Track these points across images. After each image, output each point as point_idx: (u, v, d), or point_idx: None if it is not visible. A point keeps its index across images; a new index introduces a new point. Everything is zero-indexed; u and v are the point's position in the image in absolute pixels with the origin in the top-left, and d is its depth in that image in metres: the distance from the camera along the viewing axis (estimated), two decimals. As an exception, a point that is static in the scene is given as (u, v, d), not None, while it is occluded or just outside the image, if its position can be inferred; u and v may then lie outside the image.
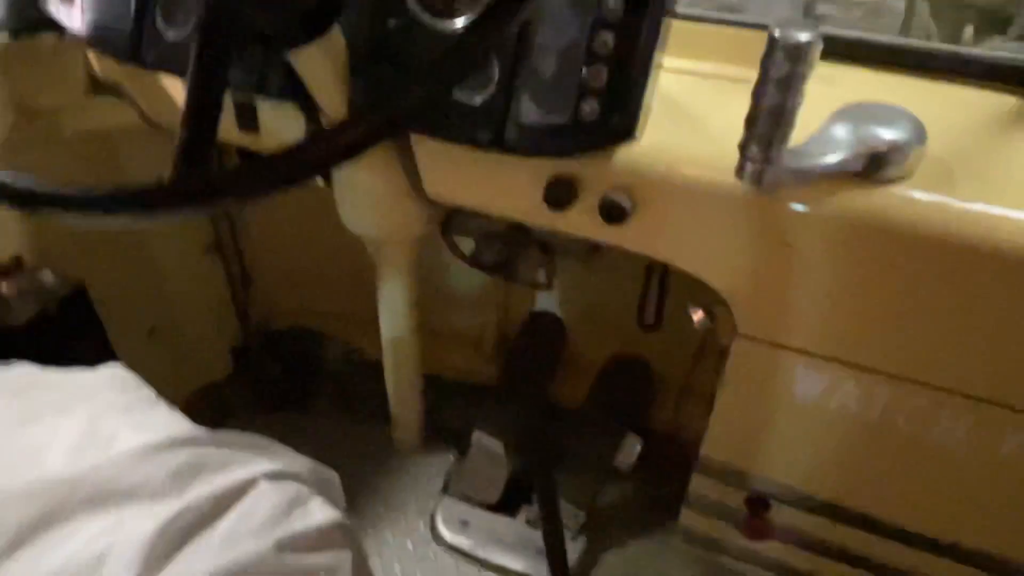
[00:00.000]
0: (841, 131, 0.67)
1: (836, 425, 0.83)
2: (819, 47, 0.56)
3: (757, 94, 0.60)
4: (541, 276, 1.04)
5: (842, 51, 0.87)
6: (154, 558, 0.52)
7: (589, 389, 1.24)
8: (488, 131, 0.69)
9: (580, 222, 0.77)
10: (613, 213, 0.74)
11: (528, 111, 0.67)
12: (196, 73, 0.53)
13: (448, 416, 1.33)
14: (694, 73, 0.83)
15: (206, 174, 0.52)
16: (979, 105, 0.80)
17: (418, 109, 0.49)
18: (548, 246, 1.01)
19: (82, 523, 0.55)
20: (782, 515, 0.96)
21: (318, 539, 0.58)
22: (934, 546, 0.88)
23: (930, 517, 0.86)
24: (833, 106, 0.70)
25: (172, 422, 0.67)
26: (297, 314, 1.43)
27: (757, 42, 0.59)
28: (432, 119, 0.71)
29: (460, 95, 0.69)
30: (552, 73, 0.66)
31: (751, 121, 0.61)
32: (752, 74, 0.60)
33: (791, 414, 0.84)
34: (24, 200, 0.53)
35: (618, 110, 0.66)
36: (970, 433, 0.76)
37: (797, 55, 0.56)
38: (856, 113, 0.69)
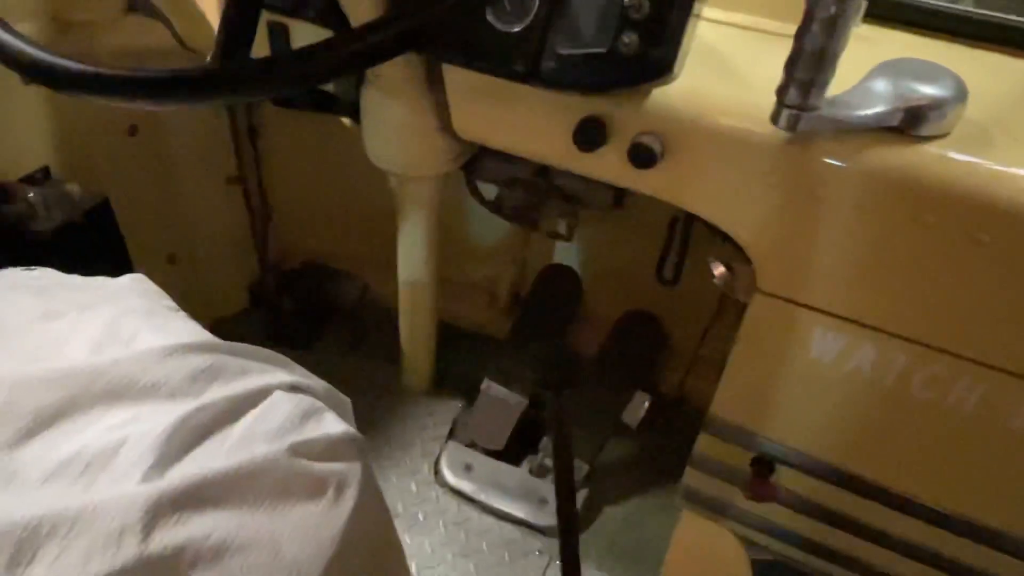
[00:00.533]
0: (881, 85, 0.66)
1: (849, 389, 0.82)
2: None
3: (800, 35, 0.59)
4: (562, 227, 1.03)
5: (887, 13, 0.85)
6: (169, 452, 0.53)
7: (601, 345, 1.24)
8: (524, 62, 0.68)
9: (608, 166, 0.77)
10: (642, 157, 0.73)
11: (566, 41, 0.66)
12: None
13: (458, 364, 1.34)
14: (734, 24, 0.82)
15: (243, 63, 0.52)
16: (1020, 73, 0.78)
17: (446, 19, 0.49)
18: (571, 197, 1.01)
19: (100, 414, 0.55)
20: (786, 478, 0.96)
21: (330, 449, 0.59)
22: (938, 518, 0.88)
23: (937, 488, 0.86)
24: (874, 65, 0.69)
25: (192, 329, 0.67)
26: (315, 252, 1.44)
27: None
28: (467, 47, 0.70)
29: (496, 23, 0.68)
30: (594, 2, 0.65)
31: (792, 63, 0.60)
32: (793, 30, 0.59)
33: (804, 375, 0.84)
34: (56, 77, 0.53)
35: (658, 44, 0.65)
36: (983, 404, 0.76)
37: (841, -4, 0.55)
38: (898, 68, 0.68)
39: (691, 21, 0.65)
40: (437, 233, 1.08)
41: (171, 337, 0.62)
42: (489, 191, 1.08)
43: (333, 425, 0.61)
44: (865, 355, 0.79)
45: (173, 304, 0.72)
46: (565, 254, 1.32)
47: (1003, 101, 0.73)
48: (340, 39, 0.51)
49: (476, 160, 1.02)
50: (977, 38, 0.83)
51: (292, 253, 1.46)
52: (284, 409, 0.59)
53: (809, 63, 0.59)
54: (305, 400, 0.62)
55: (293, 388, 0.63)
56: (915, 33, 0.85)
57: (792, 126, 0.62)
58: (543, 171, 1.00)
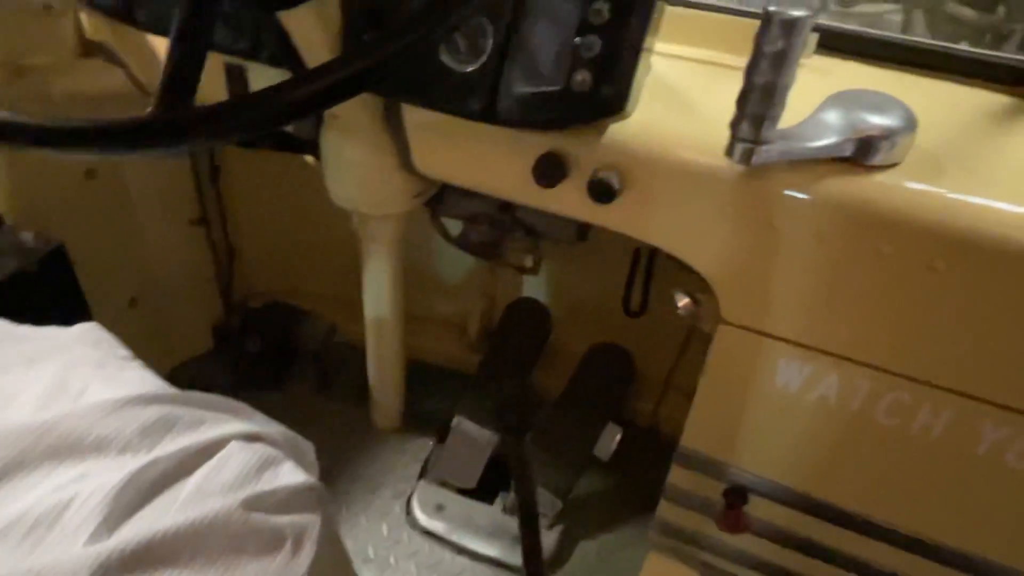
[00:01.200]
0: (833, 116, 0.67)
1: (816, 417, 0.82)
2: (811, 24, 0.56)
3: (750, 71, 0.59)
4: (528, 260, 1.03)
5: (838, 45, 0.87)
6: (118, 510, 0.51)
7: (571, 377, 1.24)
8: (479, 100, 0.68)
9: (568, 201, 0.77)
10: (602, 192, 0.74)
11: (521, 80, 0.67)
12: (183, 14, 0.52)
13: (429, 401, 1.32)
14: (689, 59, 0.84)
15: (184, 111, 0.51)
16: (971, 102, 0.80)
17: (396, 60, 0.48)
18: (535, 230, 1.01)
19: (47, 472, 0.53)
20: (759, 508, 0.95)
21: (287, 500, 0.57)
22: (912, 544, 0.87)
23: (908, 514, 0.86)
24: (827, 95, 0.70)
25: (145, 380, 0.66)
26: (280, 291, 1.42)
27: (752, 30, 0.59)
28: (422, 87, 0.70)
29: (451, 63, 0.68)
30: (547, 42, 0.65)
31: (743, 98, 0.61)
32: (746, 63, 0.60)
33: (771, 405, 0.84)
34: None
35: (610, 82, 0.65)
36: (949, 429, 0.76)
37: (790, 30, 0.56)
38: (848, 99, 0.69)
39: (642, 58, 0.66)
40: (402, 270, 1.07)
41: (122, 389, 0.61)
42: (454, 227, 1.08)
43: (291, 475, 0.60)
44: (830, 383, 0.79)
45: (128, 353, 0.71)
46: (534, 287, 1.32)
47: (952, 129, 0.75)
48: (286, 85, 0.50)
49: (440, 196, 1.02)
50: (927, 67, 0.86)
51: (258, 293, 1.44)
52: (239, 460, 0.58)
53: (759, 98, 0.60)
54: (262, 450, 0.60)
55: (250, 437, 0.61)
56: (868, 63, 0.87)
57: (746, 159, 0.63)
58: (507, 206, 1.00)
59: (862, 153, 0.66)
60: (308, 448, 0.71)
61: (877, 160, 0.66)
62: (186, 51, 0.51)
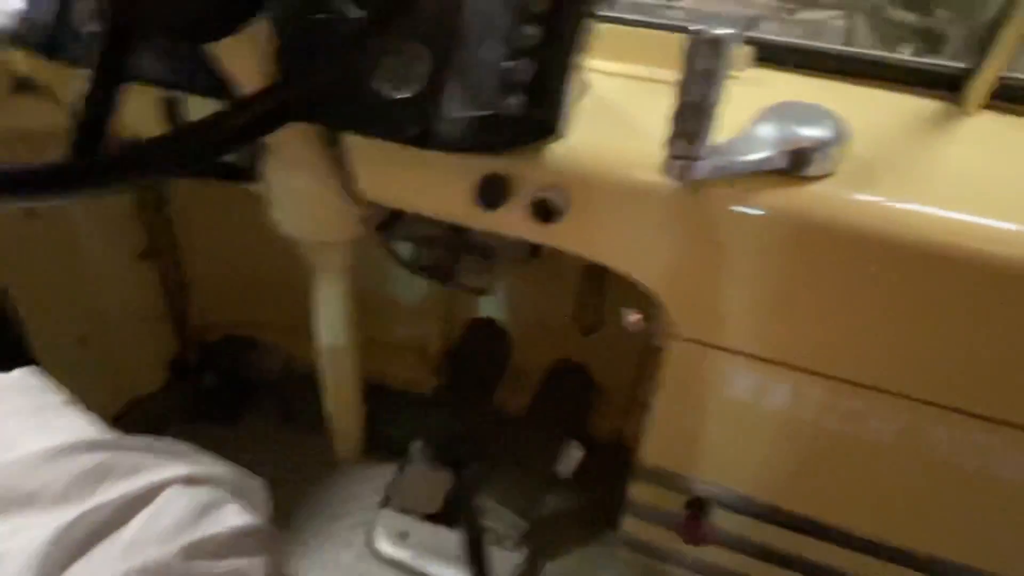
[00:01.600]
0: (766, 129, 0.68)
1: (771, 427, 0.83)
2: (737, 42, 0.56)
3: (680, 89, 0.60)
4: (480, 281, 1.02)
5: (776, 57, 0.88)
6: (50, 565, 0.49)
7: (531, 397, 1.23)
8: (415, 126, 0.68)
9: (513, 222, 0.77)
10: (545, 212, 0.73)
11: (455, 105, 0.66)
12: (100, 56, 0.51)
13: (392, 427, 1.30)
14: (627, 76, 0.84)
15: (97, 155, 0.49)
16: (906, 109, 0.82)
17: (320, 90, 0.48)
18: (487, 250, 1.00)
19: (-25, 530, 0.52)
20: (721, 520, 0.95)
21: (229, 545, 0.56)
22: (873, 548, 0.88)
23: (867, 519, 0.87)
24: (763, 107, 0.71)
25: (81, 426, 0.63)
26: (236, 323, 1.40)
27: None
28: (357, 114, 0.69)
29: (387, 89, 0.68)
30: (480, 66, 0.65)
31: (675, 116, 0.61)
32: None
33: (726, 416, 0.84)
34: None
35: (543, 105, 0.65)
36: (901, 433, 0.77)
37: (717, 49, 0.56)
38: (781, 112, 0.70)
39: (574, 80, 0.66)
40: (354, 297, 1.06)
41: (57, 437, 0.59)
42: (406, 250, 1.07)
43: (235, 518, 0.58)
44: (782, 393, 0.79)
45: (66, 397, 0.69)
46: (493, 306, 1.32)
47: (887, 137, 0.76)
48: (207, 121, 0.49)
49: (390, 220, 1.01)
50: (862, 76, 0.87)
51: (213, 326, 1.42)
52: (178, 506, 0.56)
53: (691, 115, 0.60)
54: (204, 493, 0.59)
55: (191, 481, 0.59)
56: (805, 74, 0.88)
57: (682, 176, 0.63)
58: (457, 227, 1.00)
59: (796, 165, 0.67)
60: (258, 487, 0.70)
61: (811, 171, 0.67)
62: (98, 90, 0.50)
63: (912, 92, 0.85)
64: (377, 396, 1.28)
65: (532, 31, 0.62)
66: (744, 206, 0.68)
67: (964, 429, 0.73)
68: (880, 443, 0.79)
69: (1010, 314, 0.65)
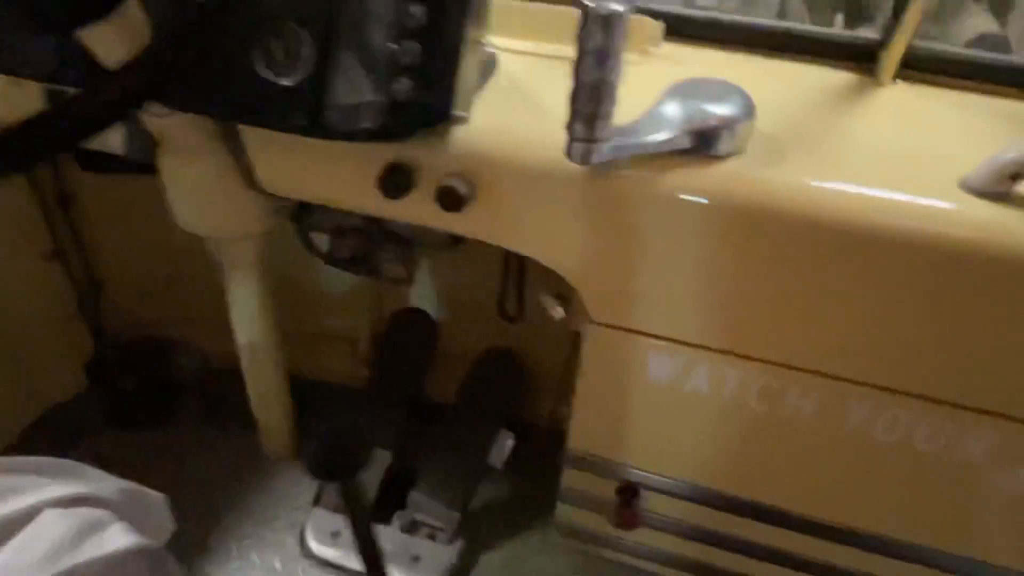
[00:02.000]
0: (672, 108, 0.66)
1: (692, 409, 0.82)
2: (629, 18, 0.54)
3: (576, 70, 0.57)
4: (401, 271, 0.99)
5: (687, 31, 0.86)
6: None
7: (460, 386, 1.21)
8: (304, 114, 0.64)
9: (419, 210, 0.74)
10: (450, 200, 0.71)
11: (342, 91, 0.63)
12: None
13: (323, 422, 1.27)
14: (537, 54, 0.81)
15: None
16: (817, 82, 0.80)
17: (183, 68, 0.44)
18: (406, 239, 0.97)
19: None
20: (654, 503, 0.95)
21: (110, 567, 0.52)
22: (802, 525, 0.88)
23: (794, 496, 0.87)
24: (670, 85, 0.69)
25: None
26: (154, 322, 1.34)
27: None
28: (241, 103, 0.65)
29: (271, 76, 0.63)
30: (365, 50, 0.61)
31: (573, 98, 0.59)
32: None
33: (648, 400, 0.83)
34: None
35: (432, 88, 0.62)
36: (818, 409, 0.76)
37: (609, 26, 0.54)
38: (688, 89, 0.68)
39: (473, 61, 0.63)
40: (269, 292, 1.01)
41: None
42: (323, 240, 1.03)
43: (119, 539, 0.54)
44: (700, 375, 0.78)
45: None
46: (422, 295, 1.28)
47: (797, 111, 0.75)
48: (66, 103, 0.45)
49: (304, 210, 0.97)
50: (776, 49, 0.85)
51: (130, 326, 1.36)
52: (55, 530, 0.52)
53: (588, 96, 0.58)
54: (85, 514, 0.55)
55: (72, 501, 0.56)
56: (718, 48, 0.86)
57: (584, 159, 0.61)
58: (372, 217, 0.96)
59: (703, 144, 0.65)
60: (156, 502, 0.66)
61: (718, 150, 0.65)
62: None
63: (827, 64, 0.84)
64: (307, 390, 1.24)
65: (417, 11, 0.59)
66: (650, 187, 0.66)
67: (881, 404, 0.73)
68: (800, 421, 0.78)
69: (920, 288, 0.65)
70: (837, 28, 1.04)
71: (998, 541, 0.81)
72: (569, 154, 0.61)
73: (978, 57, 0.82)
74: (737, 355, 0.75)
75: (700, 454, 0.88)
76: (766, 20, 0.90)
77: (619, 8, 0.53)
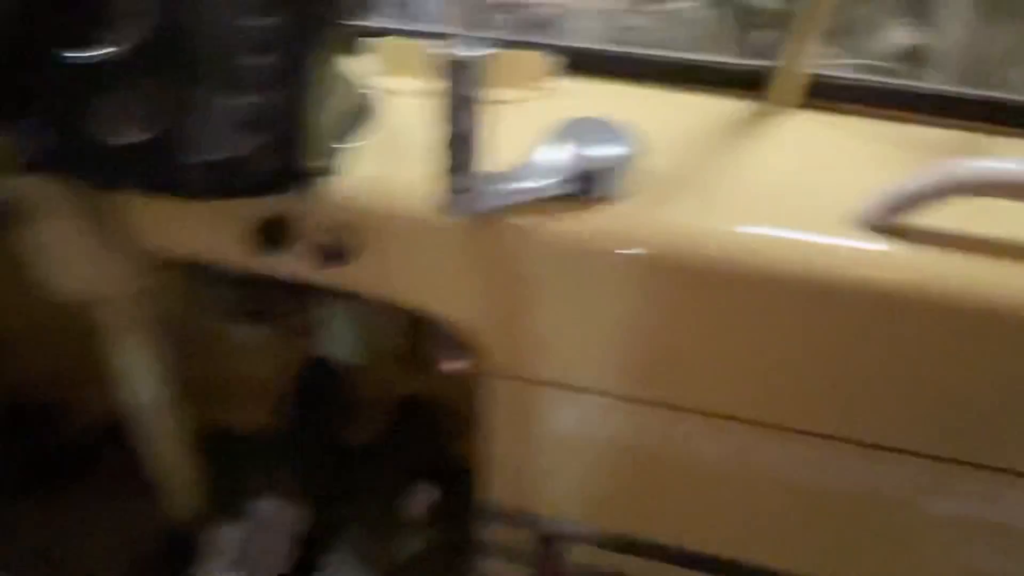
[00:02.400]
0: (555, 151, 0.63)
1: (599, 455, 0.79)
2: (484, 64, 0.50)
3: (442, 121, 0.54)
4: (301, 322, 0.94)
5: (591, 65, 0.83)
6: None
7: (377, 436, 1.15)
8: (157, 174, 0.59)
9: (299, 265, 0.70)
10: (331, 254, 0.67)
11: (192, 149, 0.58)
12: None
13: (237, 477, 1.20)
14: (421, 94, 0.77)
15: None
16: (718, 112, 0.78)
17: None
18: (302, 288, 0.92)
19: None
20: (575, 553, 0.91)
21: None
22: (721, 566, 0.85)
23: (713, 538, 0.84)
24: (555, 125, 0.66)
25: None
26: (41, 383, 1.25)
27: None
28: (87, 161, 0.60)
29: (114, 134, 0.58)
30: (213, 106, 0.57)
31: (440, 148, 0.55)
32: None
33: (555, 448, 0.80)
34: None
35: (287, 143, 0.58)
36: (723, 451, 0.74)
37: (463, 73, 0.50)
38: (572, 130, 0.65)
39: (326, 112, 0.59)
40: (160, 348, 0.95)
41: None
42: (215, 293, 0.98)
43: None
44: (604, 421, 0.75)
45: None
46: (334, 343, 1.22)
47: (692, 146, 0.72)
48: None
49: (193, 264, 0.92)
50: (675, 80, 0.83)
51: (16, 387, 1.26)
52: None
53: (456, 146, 0.54)
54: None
55: None
56: (616, 82, 0.83)
57: (459, 210, 0.57)
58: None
59: (587, 187, 0.62)
60: None
61: (604, 193, 0.63)
62: None
63: (728, 94, 0.82)
64: (220, 444, 1.17)
65: (264, 64, 0.55)
66: (536, 235, 0.63)
67: (788, 444, 0.71)
68: (708, 464, 0.76)
69: (816, 324, 0.63)
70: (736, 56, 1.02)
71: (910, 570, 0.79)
72: (444, 206, 0.58)
73: (880, 83, 0.82)
74: (640, 401, 0.72)
75: (615, 501, 0.85)
76: (665, 52, 0.88)
77: (470, 56, 0.50)
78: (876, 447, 0.68)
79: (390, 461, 1.12)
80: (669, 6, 1.81)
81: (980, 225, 0.61)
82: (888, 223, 0.60)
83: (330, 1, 0.60)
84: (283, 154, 0.58)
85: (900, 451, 0.67)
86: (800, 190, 0.66)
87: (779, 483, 0.74)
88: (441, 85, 0.52)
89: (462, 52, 0.50)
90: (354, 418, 1.17)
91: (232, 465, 1.19)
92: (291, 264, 0.69)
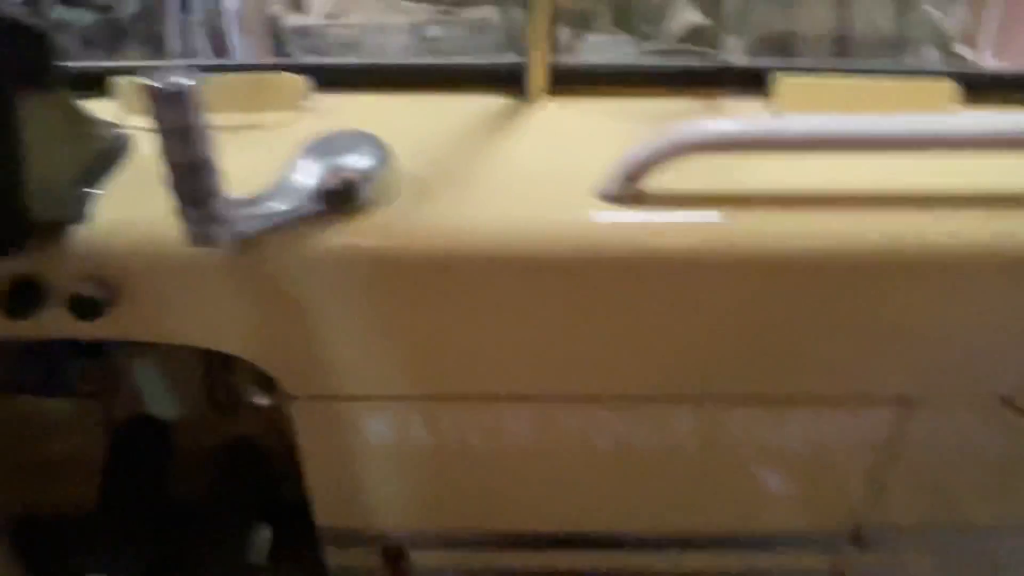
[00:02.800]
0: (305, 170, 0.63)
1: (418, 458, 0.79)
2: (197, 93, 0.49)
3: (161, 151, 0.52)
4: (93, 384, 0.89)
5: (344, 80, 0.84)
6: None
7: (206, 485, 1.10)
8: None
9: (55, 325, 0.65)
10: (85, 307, 0.63)
11: None
12: None
13: (57, 560, 1.11)
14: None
15: None
16: (473, 111, 0.80)
17: None
18: (93, 348, 0.87)
19: None
20: (423, 559, 0.91)
21: None
22: (561, 540, 0.88)
23: (539, 515, 0.87)
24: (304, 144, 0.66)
25: None
26: None
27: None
28: None
29: None
30: None
31: (170, 182, 0.54)
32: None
33: (374, 461, 0.80)
34: None
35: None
36: (525, 428, 0.76)
37: (181, 102, 0.49)
38: (320, 147, 0.65)
39: (60, 163, 0.56)
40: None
41: None
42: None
43: None
44: (416, 424, 0.76)
45: None
46: (148, 399, 1.16)
47: (448, 146, 0.74)
48: None
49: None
50: (434, 85, 0.85)
51: None
52: None
53: (185, 178, 0.53)
54: None
55: None
56: (375, 93, 0.84)
57: (206, 241, 0.56)
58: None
59: (342, 199, 0.63)
60: None
61: (360, 202, 0.63)
62: None
63: (485, 92, 0.84)
64: (38, 527, 1.08)
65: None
66: (296, 256, 0.63)
67: (582, 411, 0.75)
68: (520, 444, 0.78)
69: (574, 298, 0.66)
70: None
71: (735, 511, 0.85)
72: (190, 240, 0.56)
73: (618, 66, 0.87)
74: (438, 398, 0.73)
75: (446, 500, 0.86)
76: (423, 59, 0.90)
77: (187, 83, 0.49)
78: (653, 399, 0.73)
79: (224, 509, 1.07)
80: (466, 15, 1.85)
81: (715, 182, 0.66)
82: (625, 191, 0.64)
83: (34, 47, 0.57)
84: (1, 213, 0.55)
85: (697, 398, 0.73)
86: (548, 174, 0.69)
87: (587, 449, 0.78)
88: (151, 118, 0.50)
89: (168, 83, 0.49)
90: (180, 473, 1.12)
91: (55, 551, 1.10)
92: (46, 325, 0.65)
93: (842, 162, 0.66)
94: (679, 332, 0.68)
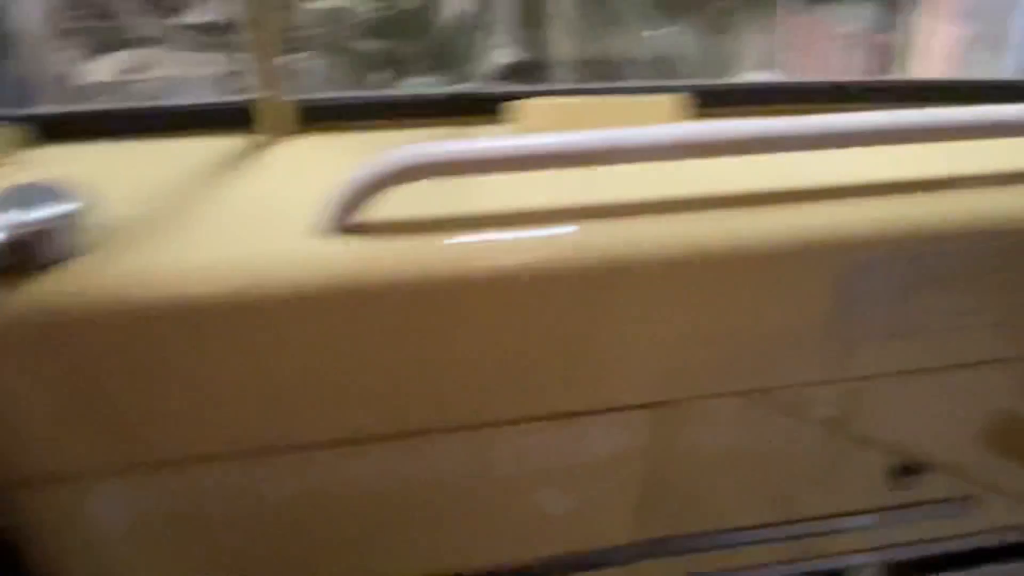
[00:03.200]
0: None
1: (180, 530, 0.73)
2: None
3: None
4: None
5: (79, 128, 0.78)
6: None
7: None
8: None
9: None
10: None
11: None
12: None
13: None
14: None
15: None
16: (203, 153, 0.76)
17: None
18: None
19: None
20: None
21: None
22: None
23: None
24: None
25: None
26: None
27: None
28: None
29: None
30: None
31: None
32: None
33: (128, 543, 0.72)
34: None
35: None
36: (279, 483, 0.73)
37: None
38: (9, 200, 0.59)
39: None
40: None
41: None
42: None
43: None
44: (148, 495, 0.70)
45: None
46: None
47: (165, 190, 0.69)
48: None
49: None
50: (165, 129, 0.80)
51: None
52: None
53: None
54: None
55: None
56: (109, 142, 0.78)
57: None
58: None
59: (26, 257, 0.57)
60: None
61: (47, 259, 0.58)
62: None
63: (229, 133, 0.81)
64: None
65: None
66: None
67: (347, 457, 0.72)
68: (273, 500, 0.74)
69: (315, 336, 0.63)
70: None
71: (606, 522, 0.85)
72: None
73: (363, 97, 0.87)
74: (171, 463, 0.68)
75: (244, 562, 0.79)
76: (157, 102, 0.85)
77: None
78: (393, 436, 0.71)
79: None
80: (286, 59, 1.82)
81: (450, 205, 0.66)
82: (344, 222, 0.62)
83: None
84: None
85: (413, 433, 0.71)
86: (273, 210, 0.66)
87: (331, 498, 0.75)
88: None
89: None
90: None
91: None
92: None
93: (573, 177, 0.67)
94: (413, 362, 0.66)
